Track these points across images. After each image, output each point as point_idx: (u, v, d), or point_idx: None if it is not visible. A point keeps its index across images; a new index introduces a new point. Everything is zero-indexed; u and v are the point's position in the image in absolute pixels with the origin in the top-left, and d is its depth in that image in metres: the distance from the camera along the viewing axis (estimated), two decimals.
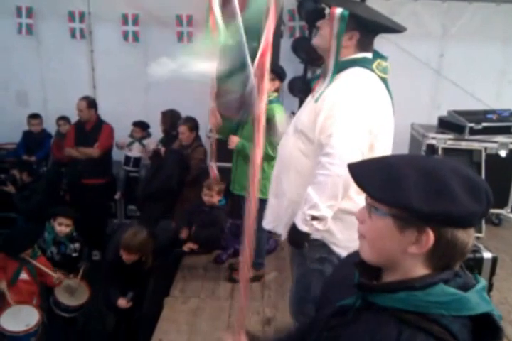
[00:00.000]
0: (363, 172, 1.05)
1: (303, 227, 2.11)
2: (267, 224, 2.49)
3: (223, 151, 4.02)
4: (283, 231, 2.35)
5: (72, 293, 3.79)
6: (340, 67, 2.14)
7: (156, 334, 3.29)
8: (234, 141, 3.77)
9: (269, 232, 4.23)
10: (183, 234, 4.19)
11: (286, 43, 5.12)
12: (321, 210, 2.07)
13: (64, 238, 3.98)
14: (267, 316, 3.61)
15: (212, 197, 4.21)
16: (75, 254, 4.02)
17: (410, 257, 1.01)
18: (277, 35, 4.56)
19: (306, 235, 2.14)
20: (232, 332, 1.48)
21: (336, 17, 2.07)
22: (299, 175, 2.23)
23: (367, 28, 2.14)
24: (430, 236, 0.97)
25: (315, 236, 2.20)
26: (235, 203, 4.15)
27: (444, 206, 0.95)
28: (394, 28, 2.16)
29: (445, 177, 0.97)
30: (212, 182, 4.21)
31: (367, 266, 1.08)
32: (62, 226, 3.96)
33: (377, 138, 2.10)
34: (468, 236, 0.99)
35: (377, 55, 2.20)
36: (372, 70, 2.14)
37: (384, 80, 2.17)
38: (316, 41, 2.28)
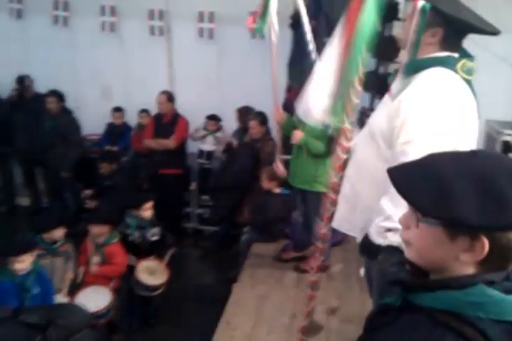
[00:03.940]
0: (407, 182, 0.99)
1: (377, 239, 2.00)
2: (338, 225, 2.37)
3: (289, 144, 4.10)
4: (359, 235, 2.24)
5: (152, 273, 3.98)
6: (421, 65, 1.96)
7: (224, 316, 3.46)
8: (298, 135, 3.78)
9: None
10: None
11: None
12: (395, 222, 1.87)
13: (147, 223, 4.20)
14: (332, 306, 3.68)
15: (262, 182, 4.37)
16: (154, 238, 4.24)
17: (461, 263, 0.96)
18: None
19: (380, 247, 2.02)
20: None
21: (417, 10, 1.88)
22: (375, 181, 2.04)
23: (452, 26, 1.92)
24: (485, 244, 0.91)
25: (392, 243, 2.06)
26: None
27: (500, 217, 0.89)
28: (483, 29, 1.91)
29: (500, 184, 0.91)
30: (265, 168, 4.36)
31: (416, 265, 1.05)
32: (149, 210, 4.20)
33: (458, 145, 1.88)
34: None
35: (464, 54, 2.00)
36: (456, 71, 1.93)
37: (468, 82, 1.97)
38: (398, 34, 2.20)
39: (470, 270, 0.96)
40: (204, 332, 3.49)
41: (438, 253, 0.98)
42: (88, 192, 5.58)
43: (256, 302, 3.68)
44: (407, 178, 0.99)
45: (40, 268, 3.43)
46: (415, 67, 1.97)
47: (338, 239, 4.60)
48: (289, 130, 3.90)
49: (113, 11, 6.09)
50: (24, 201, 6.70)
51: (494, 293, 0.92)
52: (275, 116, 3.84)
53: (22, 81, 6.23)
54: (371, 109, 4.97)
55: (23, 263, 3.24)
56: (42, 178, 6.42)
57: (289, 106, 4.31)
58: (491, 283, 0.93)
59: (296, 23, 4.77)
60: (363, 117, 5.07)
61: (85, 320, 2.70)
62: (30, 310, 2.03)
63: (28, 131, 5.87)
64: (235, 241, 5.07)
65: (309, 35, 3.41)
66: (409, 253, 1.05)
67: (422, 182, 0.96)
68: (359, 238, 2.23)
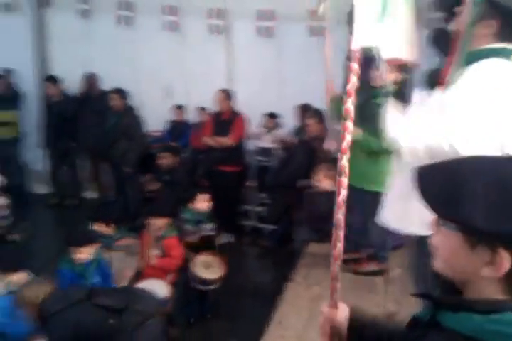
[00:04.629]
0: (428, 182, 0.94)
1: None
2: (387, 222, 2.37)
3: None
4: (418, 229, 2.16)
5: (208, 267, 4.01)
6: (475, 57, 1.92)
7: (276, 316, 3.45)
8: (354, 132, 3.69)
9: None
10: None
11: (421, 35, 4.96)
12: None
13: (204, 217, 4.26)
14: (390, 310, 3.60)
15: (317, 181, 4.32)
16: (210, 232, 4.30)
17: (486, 281, 0.88)
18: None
19: None
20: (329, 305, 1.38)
21: (470, 2, 1.88)
22: None
23: (507, 17, 1.89)
24: (504, 258, 0.84)
25: None
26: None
27: None
28: None
29: None
30: (321, 166, 4.29)
31: (448, 281, 0.98)
32: (205, 202, 4.27)
33: (508, 138, 1.85)
34: None
35: None
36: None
37: None
38: (452, 28, 2.12)
39: (499, 294, 0.88)
40: (258, 329, 3.48)
41: (460, 263, 0.91)
42: (148, 177, 5.68)
43: (309, 303, 3.65)
44: (427, 177, 0.94)
45: (102, 259, 3.54)
46: (470, 59, 1.94)
47: (399, 243, 4.48)
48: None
49: (174, 10, 6.21)
50: (90, 194, 7.02)
51: None
52: (326, 91, 3.71)
53: (89, 79, 6.48)
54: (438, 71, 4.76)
55: (83, 255, 3.35)
56: (107, 173, 6.67)
57: None
58: None
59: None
60: (431, 79, 4.73)
61: (158, 306, 2.74)
62: (104, 293, 2.08)
63: (93, 127, 6.13)
64: (293, 239, 5.07)
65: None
66: (436, 261, 0.98)
67: (440, 182, 0.92)
68: (419, 233, 2.16)
